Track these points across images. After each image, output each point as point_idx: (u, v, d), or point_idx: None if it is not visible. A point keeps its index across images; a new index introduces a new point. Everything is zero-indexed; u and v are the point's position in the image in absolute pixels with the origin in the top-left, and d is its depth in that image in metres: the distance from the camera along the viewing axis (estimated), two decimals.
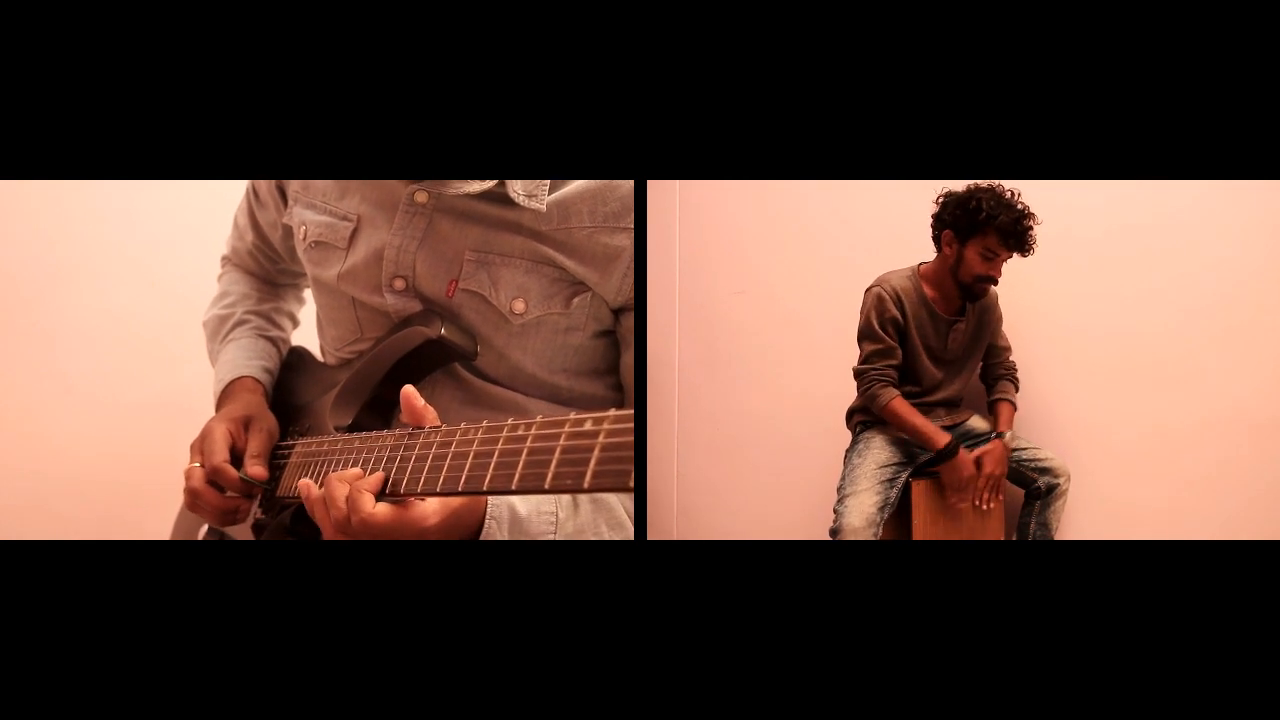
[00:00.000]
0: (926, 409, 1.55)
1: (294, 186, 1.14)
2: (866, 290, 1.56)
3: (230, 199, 1.33)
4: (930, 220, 1.55)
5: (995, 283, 1.52)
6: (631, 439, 0.63)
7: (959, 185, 1.53)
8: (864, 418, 1.60)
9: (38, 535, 1.65)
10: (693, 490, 2.12)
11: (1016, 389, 1.63)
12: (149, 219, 1.89)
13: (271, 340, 1.27)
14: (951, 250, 1.52)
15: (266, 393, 1.18)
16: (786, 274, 1.99)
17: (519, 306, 1.01)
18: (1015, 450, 1.55)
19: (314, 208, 1.11)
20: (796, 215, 1.97)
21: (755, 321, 2.03)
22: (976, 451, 1.52)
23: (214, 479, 1.03)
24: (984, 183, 1.49)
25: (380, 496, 0.82)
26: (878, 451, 1.53)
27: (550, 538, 0.94)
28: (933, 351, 1.57)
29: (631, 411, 0.64)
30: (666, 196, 2.14)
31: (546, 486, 0.67)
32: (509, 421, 0.74)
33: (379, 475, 0.83)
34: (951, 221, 1.51)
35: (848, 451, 1.58)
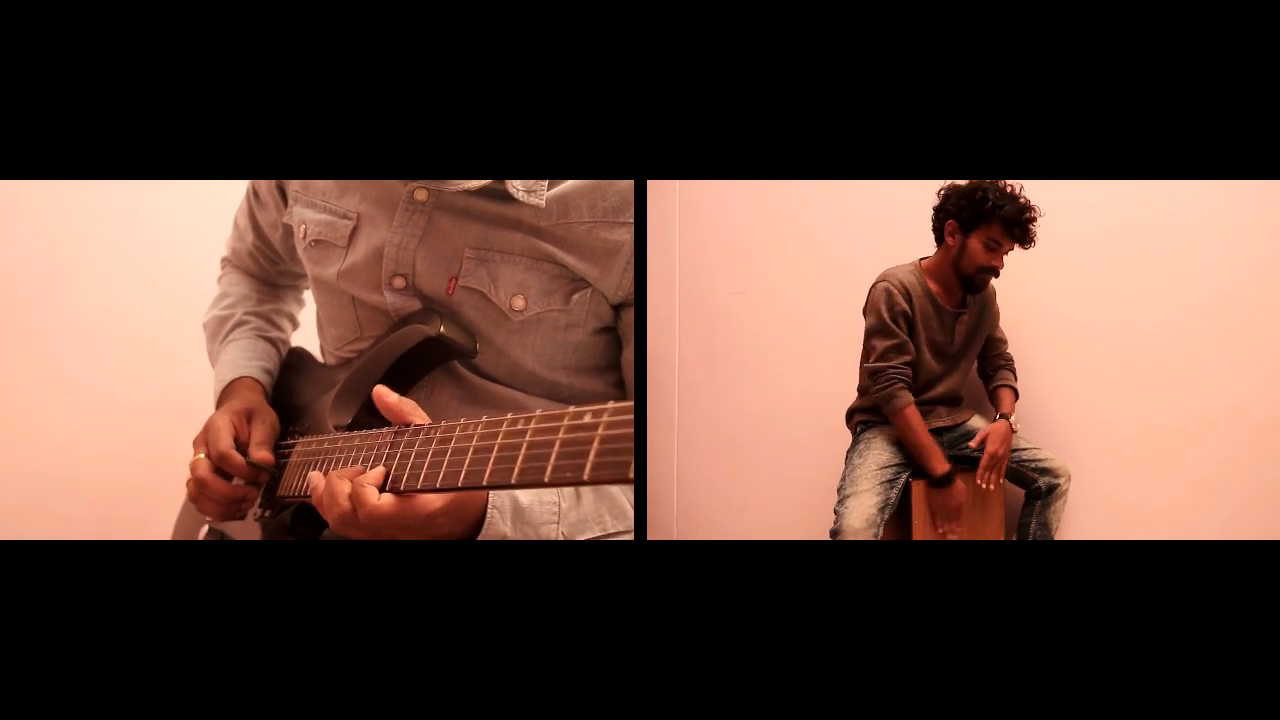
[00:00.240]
0: (927, 406, 1.55)
1: (294, 186, 1.15)
2: (872, 286, 1.55)
3: (230, 199, 1.33)
4: (931, 214, 1.56)
5: (997, 274, 1.53)
6: (631, 430, 0.63)
7: (961, 183, 1.53)
8: (864, 418, 1.60)
9: (38, 535, 1.65)
10: (693, 490, 2.12)
11: (1015, 378, 1.64)
12: (149, 219, 1.89)
13: (271, 341, 1.27)
14: (955, 241, 1.52)
15: (266, 393, 1.19)
16: (787, 274, 1.99)
17: (519, 303, 1.01)
18: (1015, 450, 1.55)
19: (314, 206, 1.11)
20: (796, 215, 1.97)
21: (755, 321, 2.03)
22: (980, 432, 1.52)
23: (220, 465, 1.03)
24: (985, 181, 1.50)
25: (381, 491, 0.82)
26: (878, 452, 1.53)
27: (553, 527, 0.95)
28: (936, 345, 1.57)
29: (631, 404, 0.64)
30: (666, 196, 2.14)
31: (546, 480, 0.67)
32: (508, 416, 0.74)
33: (379, 470, 0.83)
34: (956, 212, 1.51)
35: (848, 452, 1.58)
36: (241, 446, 1.06)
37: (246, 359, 1.21)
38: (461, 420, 0.79)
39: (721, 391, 2.07)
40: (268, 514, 1.07)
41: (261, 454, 1.05)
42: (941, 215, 1.54)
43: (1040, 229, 1.49)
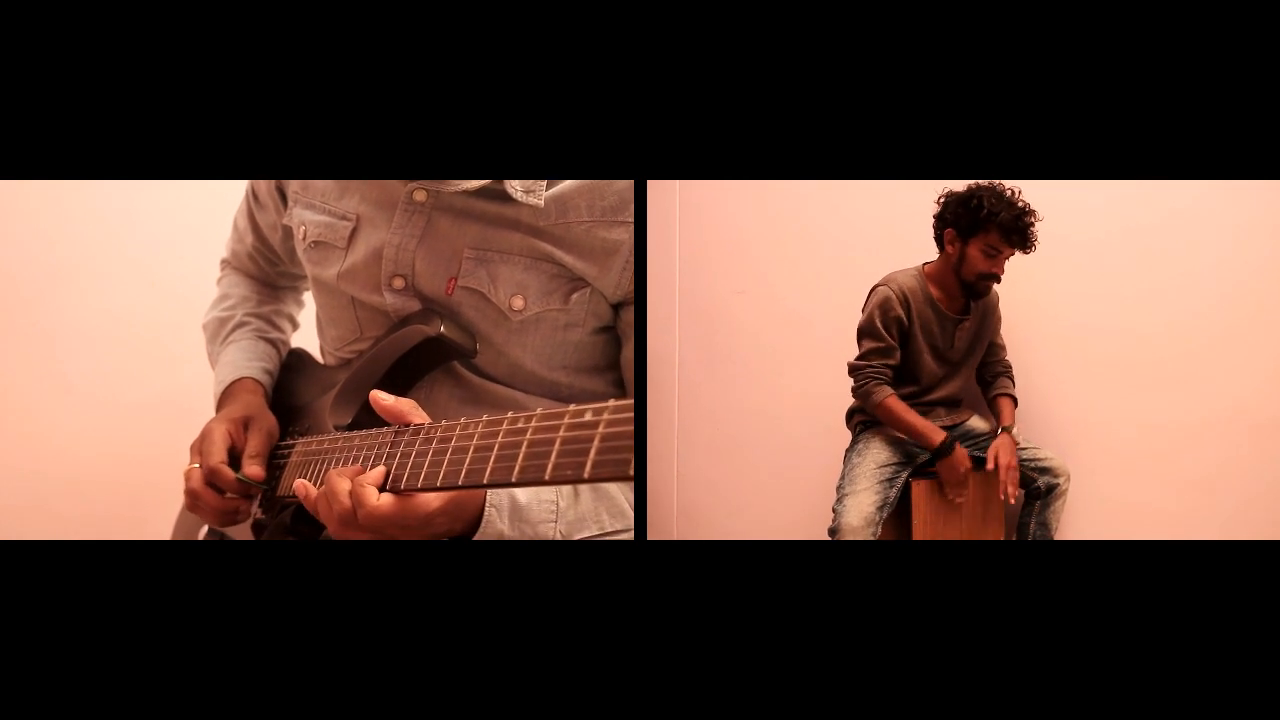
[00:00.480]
0: (926, 408, 1.56)
1: (293, 187, 1.15)
2: (873, 289, 1.55)
3: (230, 199, 1.33)
4: (932, 220, 1.56)
5: (998, 280, 1.53)
6: (631, 428, 0.63)
7: (959, 185, 1.53)
8: (864, 418, 1.60)
9: (38, 535, 1.65)
10: (693, 490, 2.12)
11: (1013, 385, 1.64)
12: (149, 219, 1.89)
13: (271, 342, 1.27)
14: (954, 249, 1.52)
15: (266, 394, 1.18)
16: (787, 273, 1.99)
17: (518, 303, 1.01)
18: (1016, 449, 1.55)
19: (313, 207, 1.11)
20: (796, 215, 1.97)
21: (755, 321, 2.03)
22: (990, 448, 1.52)
23: (211, 480, 1.04)
24: (984, 182, 1.49)
25: (381, 491, 0.83)
26: (877, 451, 1.53)
27: (551, 525, 0.95)
28: (938, 351, 1.57)
29: (631, 402, 0.64)
30: (666, 196, 2.14)
31: (547, 478, 0.67)
32: (508, 415, 0.74)
33: (380, 470, 0.83)
34: (953, 220, 1.51)
35: (847, 451, 1.58)
36: (236, 457, 1.06)
37: (247, 360, 1.21)
38: (462, 420, 0.79)
39: (721, 391, 2.07)
40: (267, 515, 1.07)
41: (253, 469, 1.05)
42: (940, 223, 1.54)
43: (1041, 229, 1.48)
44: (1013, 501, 1.51)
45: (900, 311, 1.51)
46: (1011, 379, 1.64)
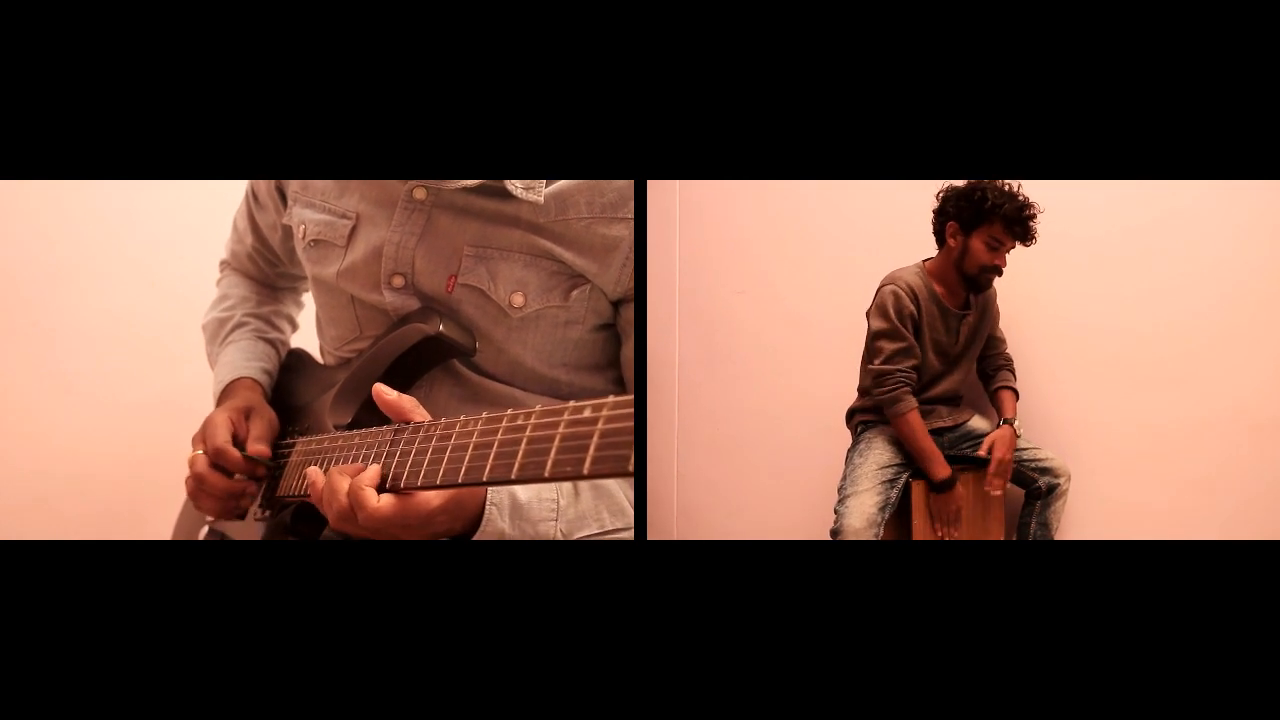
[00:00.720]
0: (928, 406, 1.55)
1: (293, 186, 1.15)
2: (879, 288, 1.55)
3: (230, 199, 1.33)
4: (932, 216, 1.56)
5: (1000, 272, 1.53)
6: (630, 424, 0.63)
7: (959, 184, 1.53)
8: (865, 418, 1.60)
9: (38, 535, 1.65)
10: (693, 490, 2.12)
11: (1015, 379, 1.64)
12: (149, 219, 1.89)
13: (270, 342, 1.27)
14: (956, 242, 1.52)
15: (266, 393, 1.19)
16: (787, 273, 1.99)
17: (518, 300, 1.01)
18: (1016, 450, 1.55)
19: (313, 206, 1.11)
20: (797, 215, 1.97)
21: (756, 321, 2.03)
22: (988, 438, 1.52)
23: (217, 461, 1.03)
24: (984, 180, 1.50)
25: (381, 490, 0.83)
26: (879, 452, 1.53)
27: (551, 524, 0.95)
28: (940, 346, 1.57)
29: (630, 398, 0.64)
30: (666, 196, 2.14)
31: (546, 474, 0.67)
32: (508, 412, 0.74)
33: (375, 469, 0.83)
34: (955, 213, 1.51)
35: (848, 451, 1.58)
36: (239, 442, 1.06)
37: (246, 360, 1.21)
38: (461, 417, 0.79)
39: (721, 391, 2.07)
40: (268, 514, 1.07)
41: (258, 447, 1.05)
42: (942, 217, 1.54)
43: (1040, 228, 1.49)
44: (996, 494, 1.50)
45: (911, 307, 1.51)
46: (1013, 371, 1.64)
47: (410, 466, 0.81)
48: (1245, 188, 1.53)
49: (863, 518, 1.45)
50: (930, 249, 1.59)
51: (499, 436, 0.74)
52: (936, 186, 1.56)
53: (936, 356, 1.57)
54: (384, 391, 0.88)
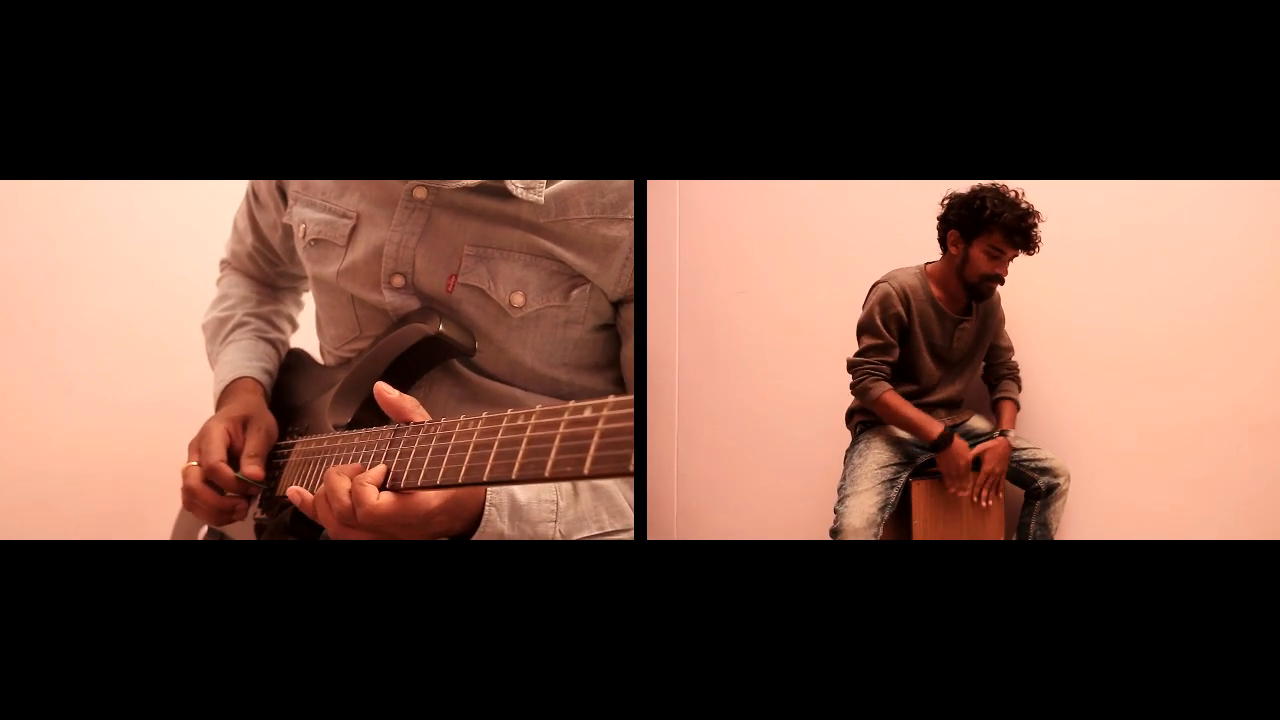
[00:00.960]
0: (926, 410, 1.55)
1: (294, 186, 1.15)
2: (873, 285, 1.56)
3: (230, 199, 1.33)
4: (936, 222, 1.56)
5: (1002, 281, 1.53)
6: (631, 424, 0.63)
7: (960, 185, 1.53)
8: (864, 418, 1.60)
9: (38, 535, 1.65)
10: (693, 490, 2.12)
11: (1019, 389, 1.64)
12: (149, 219, 1.89)
13: (271, 342, 1.27)
14: (958, 250, 1.52)
15: (266, 394, 1.18)
16: (787, 274, 1.99)
17: (518, 300, 1.01)
18: (1015, 450, 1.55)
19: (314, 206, 1.11)
20: (796, 215, 1.97)
21: (755, 321, 2.03)
22: (978, 448, 1.52)
23: (210, 479, 1.04)
24: (987, 183, 1.49)
25: (381, 489, 0.82)
26: (878, 452, 1.53)
27: (550, 525, 0.95)
28: (936, 350, 1.57)
29: (630, 398, 0.64)
30: (666, 196, 2.14)
31: (546, 474, 0.67)
32: (508, 412, 0.74)
33: (380, 468, 0.83)
34: (957, 221, 1.51)
35: (848, 451, 1.58)
36: (235, 456, 1.06)
37: (246, 360, 1.21)
38: (461, 417, 0.79)
39: (721, 391, 2.07)
40: (267, 515, 1.07)
41: (252, 469, 1.05)
42: (944, 224, 1.54)
43: (1041, 230, 1.48)
44: (984, 505, 1.50)
45: (900, 309, 1.51)
46: (1017, 382, 1.64)
47: (410, 466, 0.81)
48: (1245, 188, 1.53)
49: (863, 517, 1.45)
50: (931, 248, 1.59)
51: (499, 436, 0.74)
52: (936, 187, 1.55)
53: (934, 361, 1.57)
54: (385, 391, 0.88)
